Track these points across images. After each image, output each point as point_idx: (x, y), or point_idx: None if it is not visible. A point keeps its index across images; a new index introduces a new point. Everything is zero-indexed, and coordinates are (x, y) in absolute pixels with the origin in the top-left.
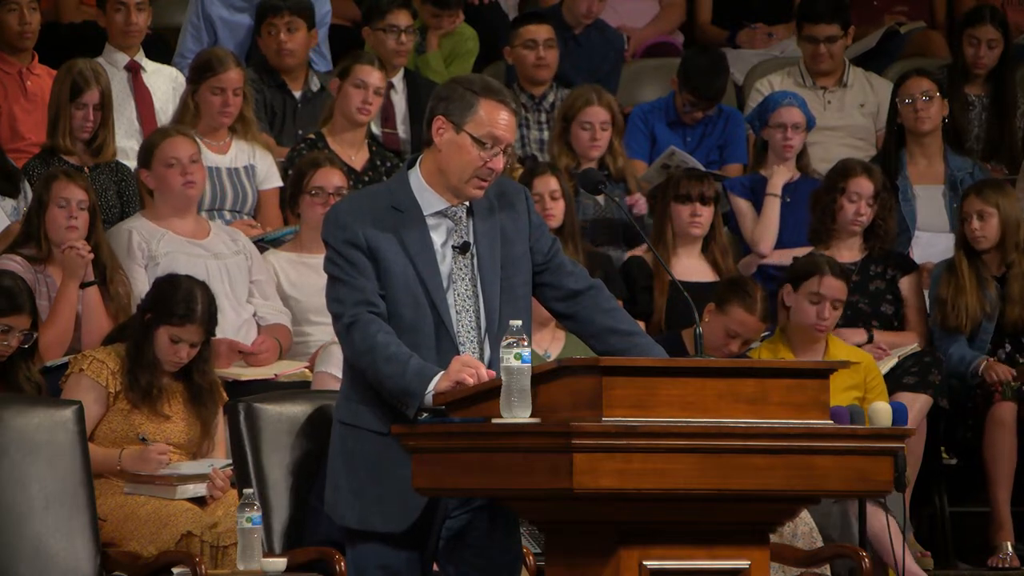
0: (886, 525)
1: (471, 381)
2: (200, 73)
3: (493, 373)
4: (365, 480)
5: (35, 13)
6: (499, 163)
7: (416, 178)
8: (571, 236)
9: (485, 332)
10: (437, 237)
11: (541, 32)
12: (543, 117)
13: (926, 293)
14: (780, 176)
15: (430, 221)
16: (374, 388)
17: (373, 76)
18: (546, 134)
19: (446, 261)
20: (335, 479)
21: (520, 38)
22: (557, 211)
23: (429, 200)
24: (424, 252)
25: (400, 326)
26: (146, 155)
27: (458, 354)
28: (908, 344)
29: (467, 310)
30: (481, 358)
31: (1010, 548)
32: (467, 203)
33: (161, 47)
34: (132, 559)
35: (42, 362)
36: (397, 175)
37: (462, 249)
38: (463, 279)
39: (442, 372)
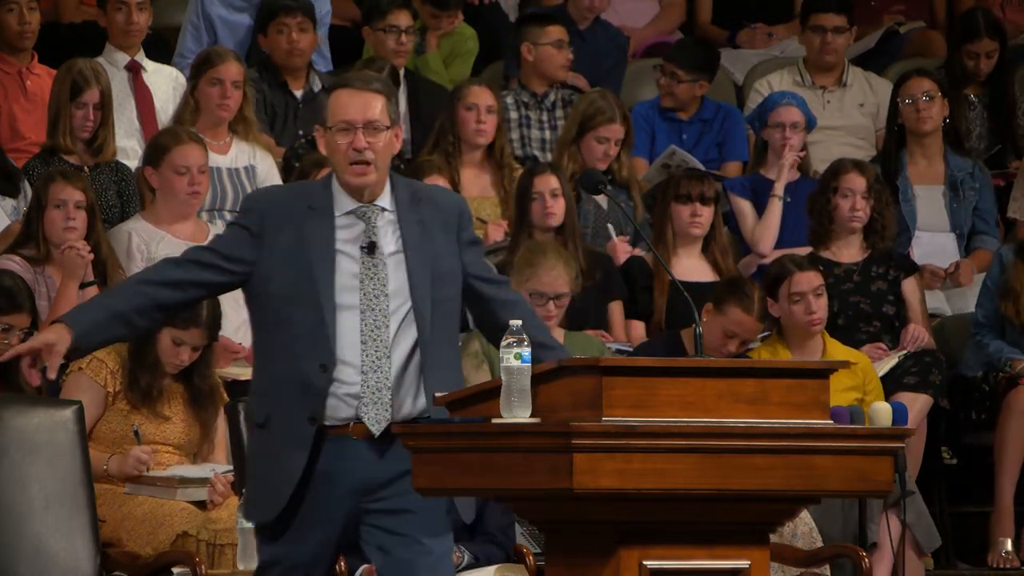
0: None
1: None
2: (199, 68)
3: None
4: (251, 472)
5: (34, 13)
6: (360, 141)
7: (334, 181)
8: (571, 236)
9: (408, 341)
10: (347, 237)
11: (565, 34)
12: (544, 116)
13: (927, 294)
14: (783, 177)
15: (341, 221)
16: (258, 379)
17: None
18: (548, 133)
19: (352, 262)
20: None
21: (550, 36)
22: (557, 209)
23: (342, 201)
24: (323, 249)
25: (277, 318)
26: (154, 154)
27: (332, 352)
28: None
29: (372, 310)
30: (382, 360)
31: (1009, 545)
32: (384, 206)
33: (161, 47)
34: (132, 559)
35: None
36: (325, 176)
37: (369, 250)
38: (371, 279)
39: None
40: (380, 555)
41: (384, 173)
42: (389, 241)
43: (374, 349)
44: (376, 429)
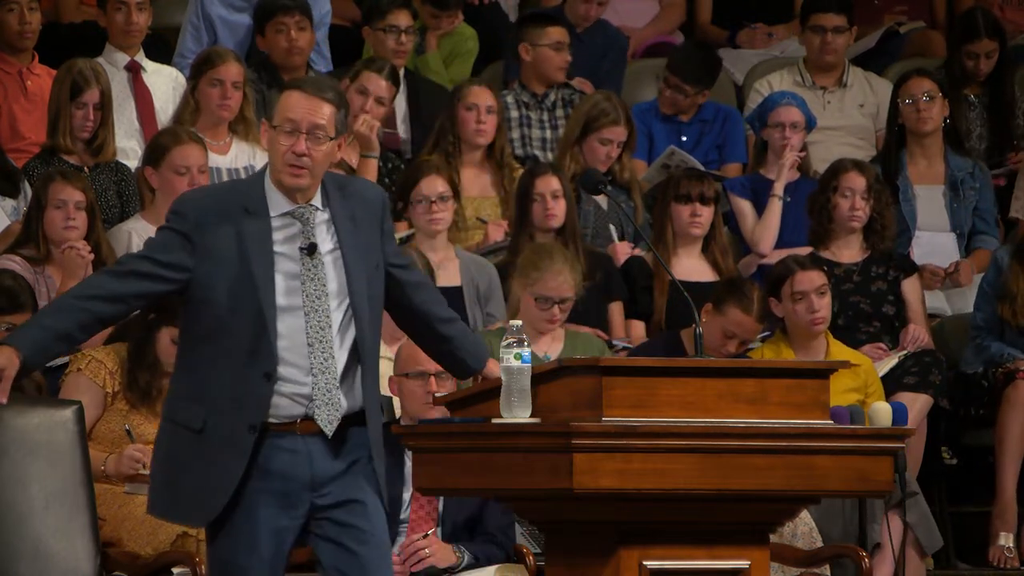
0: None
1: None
2: (199, 69)
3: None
4: (175, 474)
5: (35, 13)
6: (300, 146)
7: (267, 180)
8: (572, 237)
9: (349, 339)
10: (283, 238)
11: (565, 35)
12: (545, 116)
13: (928, 294)
14: (783, 177)
15: (276, 222)
16: (191, 384)
17: (377, 84)
18: (548, 133)
19: (293, 264)
20: (152, 473)
21: (549, 38)
22: (558, 211)
23: (277, 201)
24: (261, 253)
25: (219, 326)
26: (154, 154)
27: (276, 363)
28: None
29: (316, 311)
30: (329, 360)
31: (1010, 540)
32: (317, 206)
33: (161, 47)
34: (132, 559)
35: None
36: (255, 174)
37: (309, 251)
38: (312, 280)
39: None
40: (330, 547)
41: (319, 178)
42: (325, 239)
43: (320, 350)
44: (329, 429)
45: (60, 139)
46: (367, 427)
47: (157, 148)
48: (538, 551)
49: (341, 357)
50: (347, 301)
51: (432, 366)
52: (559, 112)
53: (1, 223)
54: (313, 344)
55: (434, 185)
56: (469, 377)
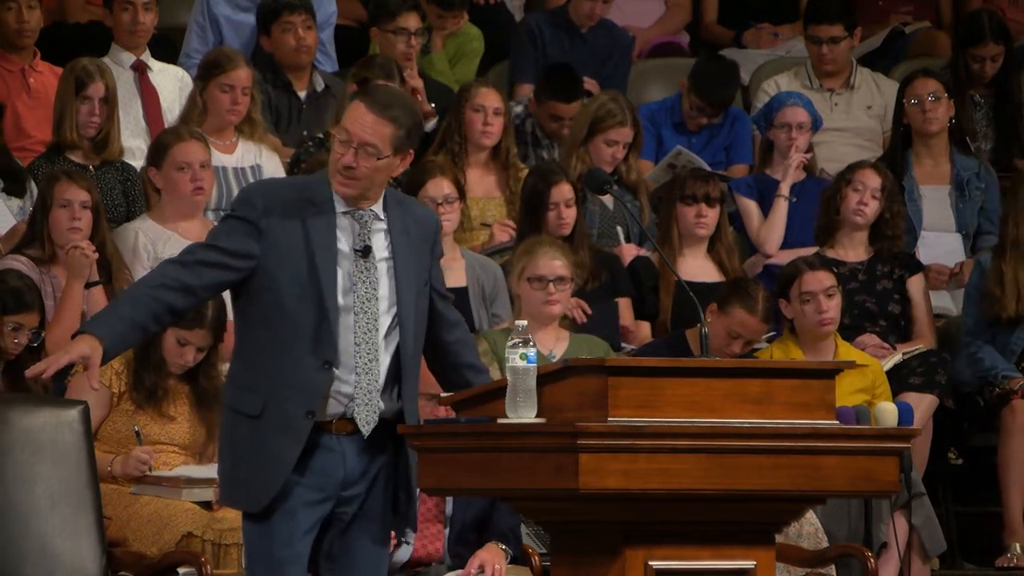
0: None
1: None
2: (209, 71)
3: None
4: (236, 460)
5: (34, 11)
6: (348, 158)
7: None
8: (581, 243)
9: (393, 346)
10: (344, 237)
11: (568, 111)
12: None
13: (933, 294)
14: (790, 177)
15: (340, 221)
16: (249, 371)
17: None
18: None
19: (348, 262)
20: (219, 462)
21: (546, 108)
22: (571, 218)
23: (340, 200)
24: (326, 248)
25: (282, 314)
26: (157, 154)
27: (336, 350)
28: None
29: (365, 312)
30: (373, 363)
31: (1019, 548)
32: (377, 213)
33: (166, 47)
34: (137, 559)
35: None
36: (321, 172)
37: (363, 253)
38: (364, 282)
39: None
40: (338, 537)
41: (375, 188)
42: (381, 246)
43: (367, 351)
44: (366, 430)
45: (66, 134)
46: (405, 441)
47: (159, 147)
48: (543, 551)
49: (384, 361)
50: (395, 308)
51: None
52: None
53: (7, 223)
54: (360, 344)
55: (440, 187)
56: None
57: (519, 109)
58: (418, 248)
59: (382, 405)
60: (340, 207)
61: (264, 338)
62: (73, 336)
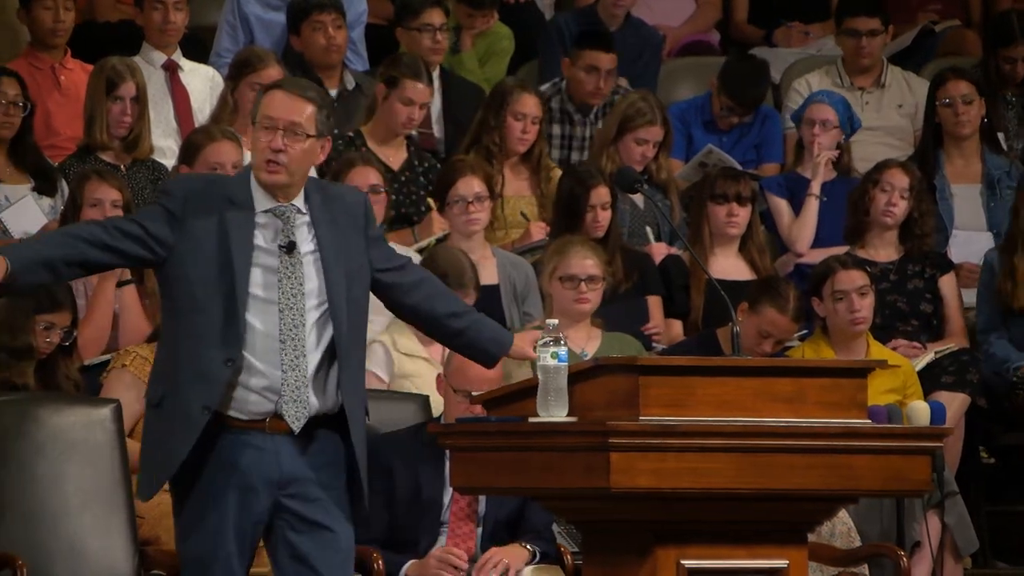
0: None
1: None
2: (240, 70)
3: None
4: (142, 449)
5: (70, 12)
6: (277, 142)
7: (252, 178)
8: (615, 245)
9: (326, 339)
10: (265, 235)
11: (604, 61)
12: (588, 132)
13: (964, 292)
14: (820, 176)
15: (260, 219)
16: (159, 359)
17: (422, 93)
18: (589, 131)
19: (272, 259)
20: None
21: (583, 60)
22: (605, 221)
23: (260, 198)
24: (242, 245)
25: (190, 307)
26: (189, 153)
27: (241, 350)
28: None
29: (291, 308)
30: (300, 359)
31: None
32: (299, 207)
33: (197, 46)
34: (170, 557)
35: (80, 360)
36: (242, 171)
37: (288, 249)
38: (289, 278)
39: None
40: (286, 546)
41: (300, 178)
42: (305, 240)
43: (292, 347)
44: (296, 426)
45: (97, 135)
46: (349, 428)
47: (191, 147)
48: (576, 550)
49: (314, 356)
50: (324, 303)
51: (476, 388)
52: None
53: (39, 221)
54: (285, 341)
55: (471, 185)
56: (497, 363)
57: (546, 86)
58: (347, 235)
59: (314, 401)
60: (260, 206)
61: (173, 329)
62: None
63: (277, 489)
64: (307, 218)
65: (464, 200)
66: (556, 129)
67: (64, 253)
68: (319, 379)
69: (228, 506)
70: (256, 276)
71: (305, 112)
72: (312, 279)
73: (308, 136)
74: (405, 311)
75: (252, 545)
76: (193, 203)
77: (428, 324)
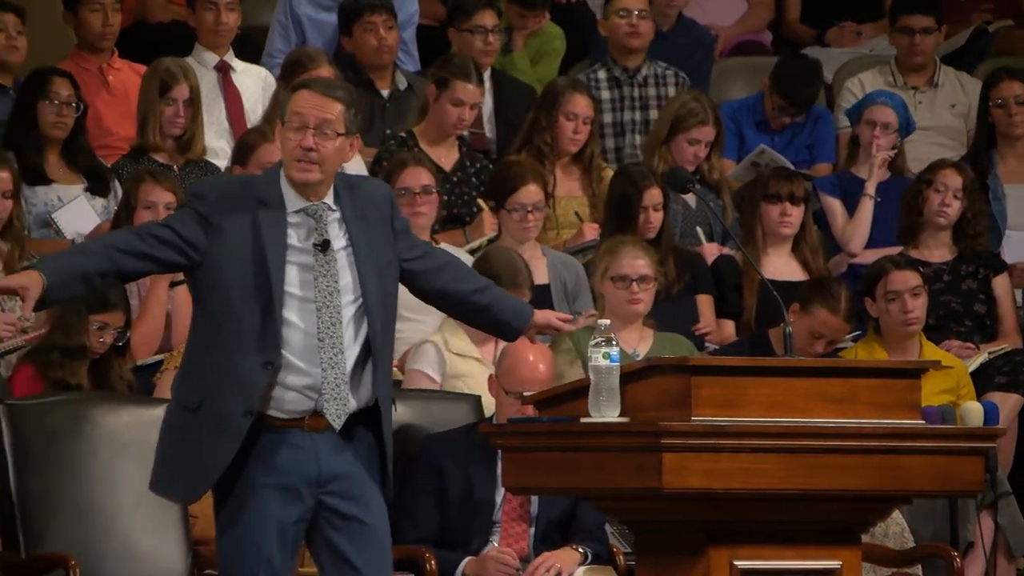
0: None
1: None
2: (291, 70)
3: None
4: (174, 452)
5: (118, 14)
6: (307, 141)
7: (282, 177)
8: (667, 246)
9: (362, 336)
10: (298, 234)
11: (634, 2)
12: (636, 92)
13: (1018, 293)
14: (875, 176)
15: (292, 219)
16: (194, 363)
17: (473, 94)
18: (638, 115)
19: (307, 258)
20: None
21: (614, 6)
22: (658, 222)
23: (291, 198)
24: (276, 245)
25: (226, 310)
26: (242, 154)
27: (279, 352)
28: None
29: (328, 306)
30: (338, 356)
31: None
32: (329, 204)
33: (249, 46)
34: None
35: (133, 360)
36: (270, 171)
37: (322, 247)
38: (325, 276)
39: None
40: (328, 543)
41: (330, 176)
42: (338, 237)
43: (330, 345)
44: (337, 424)
45: (150, 137)
46: (381, 423)
47: (244, 147)
48: (628, 550)
49: (352, 353)
50: (359, 298)
51: (528, 388)
52: (651, 91)
53: (92, 222)
54: (324, 339)
55: (532, 195)
56: (519, 337)
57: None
58: (376, 230)
59: (352, 399)
60: (292, 206)
61: (208, 333)
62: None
63: (317, 487)
64: (338, 215)
65: (524, 208)
66: (605, 94)
67: (99, 264)
68: (356, 375)
69: (268, 505)
70: (292, 275)
71: (335, 110)
72: (346, 275)
73: (338, 134)
74: (433, 295)
75: (295, 545)
76: (225, 205)
77: (455, 304)
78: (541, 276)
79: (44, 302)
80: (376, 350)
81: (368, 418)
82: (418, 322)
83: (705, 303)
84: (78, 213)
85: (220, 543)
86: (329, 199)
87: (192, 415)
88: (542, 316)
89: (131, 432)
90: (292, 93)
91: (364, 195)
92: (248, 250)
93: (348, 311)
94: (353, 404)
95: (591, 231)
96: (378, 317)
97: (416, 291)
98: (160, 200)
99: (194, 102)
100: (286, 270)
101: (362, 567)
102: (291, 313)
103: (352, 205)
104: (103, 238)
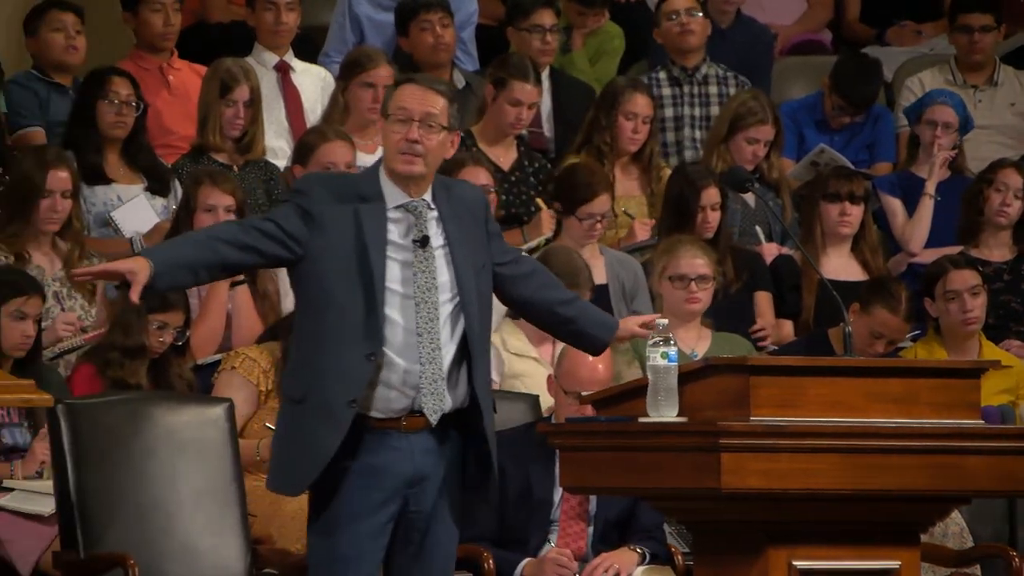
0: None
1: None
2: (350, 70)
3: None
4: (281, 447)
5: (178, 15)
6: (413, 133)
7: (382, 174)
8: (725, 245)
9: (458, 333)
10: (398, 230)
11: (682, 2)
12: (696, 89)
13: None
14: (935, 176)
15: (392, 215)
16: (297, 356)
17: (530, 94)
18: (698, 111)
19: (406, 254)
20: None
21: (663, 11)
22: (715, 222)
23: (391, 194)
24: (377, 240)
25: (328, 304)
26: (302, 153)
27: (381, 345)
28: None
29: (426, 302)
30: (436, 352)
31: None
32: (428, 202)
33: (308, 46)
34: (282, 556)
35: (193, 360)
36: (370, 168)
37: (422, 243)
38: (423, 272)
39: None
40: (402, 541)
41: (432, 170)
42: (435, 235)
43: (429, 341)
44: (434, 419)
45: (210, 137)
46: (483, 422)
47: (305, 147)
48: (686, 551)
49: (448, 349)
50: (456, 295)
51: (586, 388)
52: (712, 89)
53: (150, 221)
54: (422, 334)
55: (604, 204)
56: (605, 350)
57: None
58: (472, 231)
59: (448, 395)
60: (392, 202)
61: (311, 326)
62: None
63: (407, 488)
64: (435, 213)
65: (594, 218)
66: (666, 91)
67: (205, 255)
68: (452, 374)
69: (365, 507)
70: (392, 270)
71: (439, 104)
72: (444, 273)
73: (442, 128)
74: (520, 303)
75: (384, 545)
76: (326, 200)
77: (541, 314)
78: (599, 276)
79: (151, 289)
80: (473, 348)
81: (459, 420)
82: None
83: (764, 301)
84: (137, 212)
85: (312, 541)
86: (428, 196)
87: (298, 407)
88: (626, 327)
89: (190, 431)
90: (395, 88)
91: (458, 196)
92: (349, 245)
93: (445, 309)
94: (449, 402)
95: (642, 229)
96: (475, 316)
97: (503, 296)
98: (220, 203)
99: (254, 103)
100: (386, 265)
101: (425, 571)
102: (391, 309)
103: (449, 205)
104: (207, 230)
